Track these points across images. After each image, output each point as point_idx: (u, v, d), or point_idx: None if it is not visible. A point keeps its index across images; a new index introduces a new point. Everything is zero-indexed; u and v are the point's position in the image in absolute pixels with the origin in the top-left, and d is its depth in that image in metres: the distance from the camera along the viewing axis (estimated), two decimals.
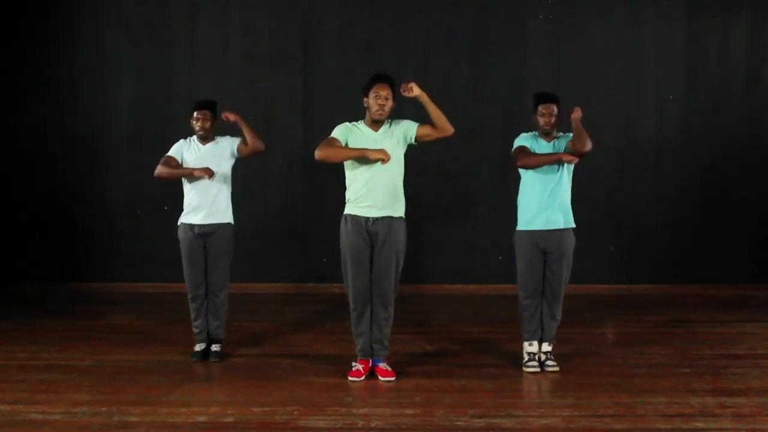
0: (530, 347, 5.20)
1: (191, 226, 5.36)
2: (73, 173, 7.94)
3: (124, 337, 5.99)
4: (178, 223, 5.43)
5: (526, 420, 4.25)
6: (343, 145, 4.93)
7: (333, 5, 7.85)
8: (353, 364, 5.04)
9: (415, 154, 7.77)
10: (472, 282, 7.85)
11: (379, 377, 4.95)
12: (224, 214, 5.40)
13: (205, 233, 5.34)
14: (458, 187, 7.84)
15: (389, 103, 4.87)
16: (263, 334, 6.15)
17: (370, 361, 5.03)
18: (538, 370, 5.10)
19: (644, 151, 7.86)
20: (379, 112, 4.86)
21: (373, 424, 4.18)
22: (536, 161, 5.09)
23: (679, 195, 7.88)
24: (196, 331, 5.44)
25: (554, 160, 5.07)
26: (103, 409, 4.39)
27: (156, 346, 5.73)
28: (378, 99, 4.85)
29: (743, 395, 4.66)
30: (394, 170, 4.92)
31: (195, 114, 5.34)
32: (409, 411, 4.38)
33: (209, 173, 5.23)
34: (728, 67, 7.85)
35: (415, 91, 4.78)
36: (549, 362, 5.16)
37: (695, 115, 7.85)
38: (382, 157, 4.78)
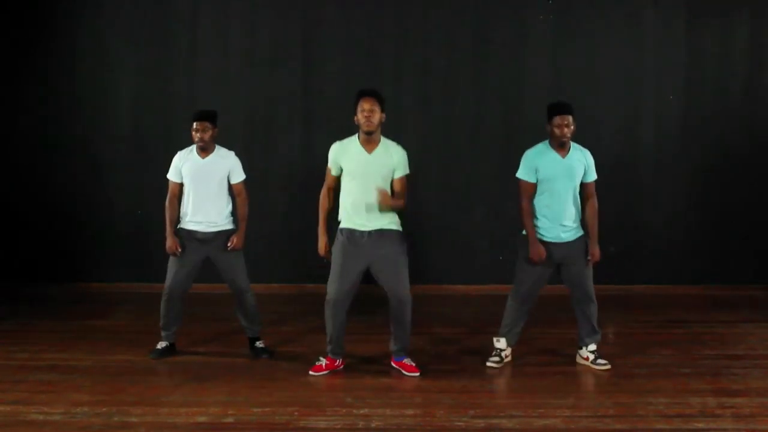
0: (498, 343, 5.28)
1: (193, 232, 5.43)
2: (73, 173, 7.93)
3: (124, 338, 5.99)
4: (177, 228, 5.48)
5: (527, 420, 4.25)
6: (336, 169, 5.09)
7: (333, 5, 7.84)
8: (320, 359, 5.16)
9: (415, 155, 7.82)
10: (471, 282, 7.85)
11: (404, 372, 5.09)
12: (224, 224, 5.47)
13: (206, 240, 5.41)
14: (458, 187, 7.84)
15: (376, 115, 4.94)
16: (263, 334, 6.13)
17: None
18: (500, 366, 5.20)
19: (644, 151, 7.86)
20: (367, 123, 4.95)
21: (373, 425, 4.18)
22: (524, 218, 5.13)
23: (679, 195, 7.88)
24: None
25: (532, 240, 5.09)
26: (104, 409, 4.40)
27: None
28: (363, 112, 4.95)
29: (744, 395, 4.66)
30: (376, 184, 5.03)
31: (195, 125, 5.35)
32: (409, 411, 4.38)
33: (175, 253, 5.32)
34: (728, 67, 7.84)
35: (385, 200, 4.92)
36: (600, 360, 5.19)
37: (695, 116, 7.85)
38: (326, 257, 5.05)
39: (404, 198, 5.05)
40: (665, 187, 7.88)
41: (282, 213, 7.91)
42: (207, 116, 5.40)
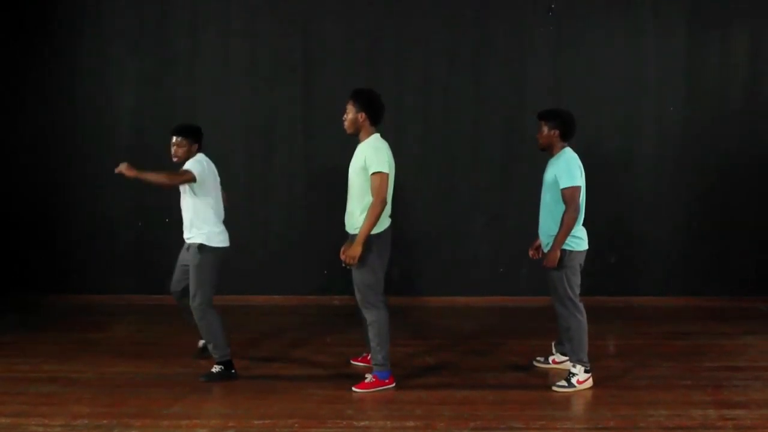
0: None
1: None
2: (73, 183, 7.93)
3: (125, 350, 5.99)
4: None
5: None
6: None
7: (334, 16, 7.87)
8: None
9: (415, 165, 7.85)
10: (472, 294, 7.84)
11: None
12: (195, 234, 5.29)
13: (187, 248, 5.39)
14: (459, 197, 7.85)
15: (348, 117, 5.00)
16: (264, 346, 6.15)
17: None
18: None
19: (645, 162, 7.86)
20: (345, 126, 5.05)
21: None
22: (565, 225, 5.00)
23: (680, 206, 7.88)
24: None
25: (561, 243, 5.00)
26: (104, 421, 4.40)
27: (157, 358, 5.73)
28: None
29: (745, 407, 4.66)
30: (353, 191, 4.99)
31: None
32: (410, 423, 4.38)
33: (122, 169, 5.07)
34: (729, 77, 7.85)
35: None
36: (561, 383, 5.14)
37: (696, 126, 7.85)
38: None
39: (377, 197, 4.81)
40: (666, 197, 7.87)
41: (282, 224, 7.91)
42: (177, 131, 5.36)
